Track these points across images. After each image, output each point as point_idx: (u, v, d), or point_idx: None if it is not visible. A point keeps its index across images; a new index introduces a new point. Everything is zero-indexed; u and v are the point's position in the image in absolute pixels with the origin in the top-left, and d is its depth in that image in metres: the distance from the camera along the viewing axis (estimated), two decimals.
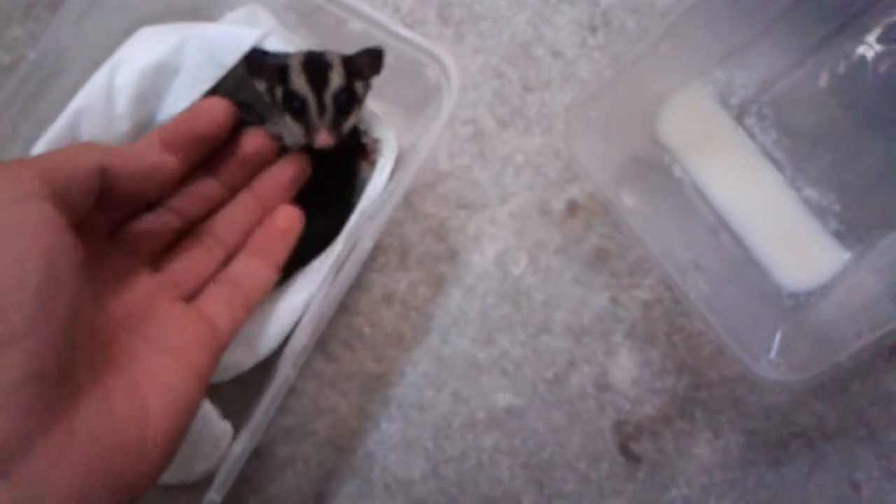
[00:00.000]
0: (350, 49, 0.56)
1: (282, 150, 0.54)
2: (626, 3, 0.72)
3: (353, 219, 0.58)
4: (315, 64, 0.51)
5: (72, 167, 0.35)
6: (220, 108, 0.47)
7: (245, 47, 0.57)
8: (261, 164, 0.52)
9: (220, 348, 0.44)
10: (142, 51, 0.57)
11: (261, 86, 0.53)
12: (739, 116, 0.66)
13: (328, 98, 0.50)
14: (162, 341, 0.40)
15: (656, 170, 0.65)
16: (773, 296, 0.63)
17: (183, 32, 0.58)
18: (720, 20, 0.65)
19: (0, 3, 0.70)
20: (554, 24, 0.71)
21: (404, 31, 0.55)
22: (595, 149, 0.61)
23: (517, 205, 0.67)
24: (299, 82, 0.51)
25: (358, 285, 0.65)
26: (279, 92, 0.52)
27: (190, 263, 0.47)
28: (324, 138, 0.50)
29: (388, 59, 0.57)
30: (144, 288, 0.43)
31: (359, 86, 0.54)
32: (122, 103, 0.56)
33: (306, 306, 0.57)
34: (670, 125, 0.65)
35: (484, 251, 0.66)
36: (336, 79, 0.51)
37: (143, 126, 0.58)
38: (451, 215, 0.67)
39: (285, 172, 0.53)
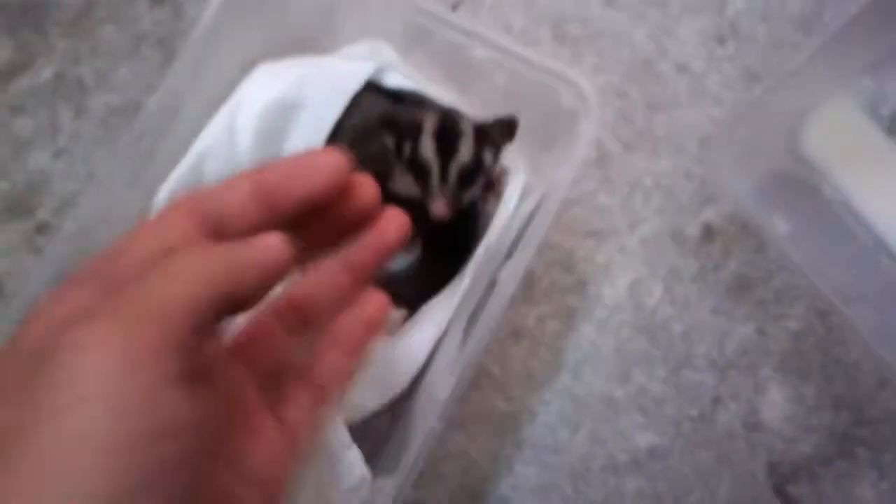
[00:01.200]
0: (476, 82, 0.53)
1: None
2: (755, 10, 0.67)
3: (480, 252, 0.55)
4: (447, 129, 0.50)
5: (187, 310, 0.26)
6: (339, 164, 0.32)
7: (364, 80, 0.55)
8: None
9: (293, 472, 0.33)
10: (262, 88, 0.56)
11: (389, 140, 0.51)
12: (892, 128, 0.61)
13: (454, 169, 0.48)
14: (254, 475, 0.31)
15: (803, 190, 0.61)
16: None
17: (302, 68, 0.56)
18: (867, 26, 0.60)
19: (103, 43, 0.70)
20: (677, 36, 0.67)
21: (535, 56, 0.52)
22: (736, 169, 0.57)
23: (648, 231, 0.64)
24: (428, 146, 0.49)
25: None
26: (407, 149, 0.50)
27: (272, 349, 0.35)
28: (440, 208, 0.48)
29: (512, 85, 0.55)
30: (251, 404, 0.32)
31: (488, 155, 0.51)
32: (246, 141, 0.55)
33: (434, 345, 0.55)
34: (817, 141, 0.60)
35: (615, 281, 0.63)
36: (465, 151, 0.49)
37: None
38: (578, 244, 0.64)
39: (386, 235, 0.35)
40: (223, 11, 0.53)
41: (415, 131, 0.49)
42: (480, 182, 0.52)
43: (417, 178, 0.50)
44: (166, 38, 0.69)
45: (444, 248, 0.58)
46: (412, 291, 0.58)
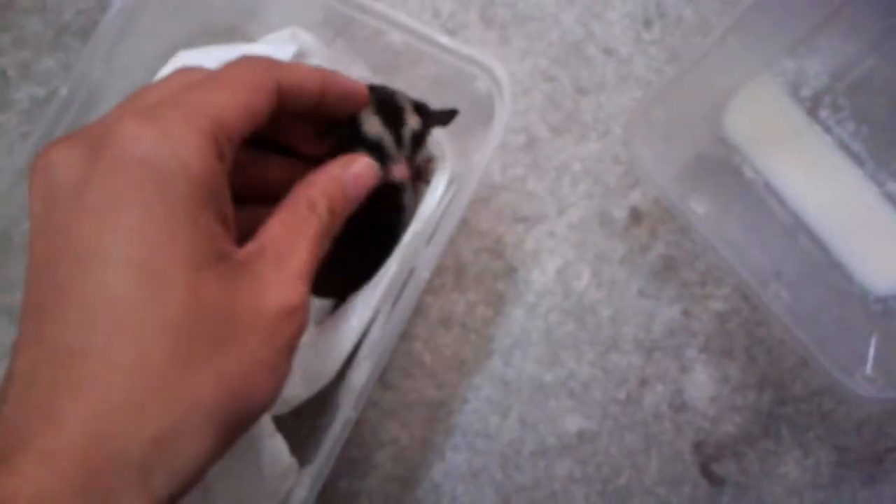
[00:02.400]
0: (398, 69, 0.53)
1: None
2: None
3: (407, 239, 0.55)
4: (386, 103, 0.48)
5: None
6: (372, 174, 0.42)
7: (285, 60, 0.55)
8: None
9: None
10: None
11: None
12: (813, 109, 0.61)
13: (406, 133, 0.48)
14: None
15: (725, 170, 0.61)
16: (860, 301, 0.59)
17: (222, 53, 0.55)
18: (787, 5, 0.60)
19: (28, 34, 0.68)
20: (605, 19, 0.67)
21: (448, 41, 0.52)
22: (658, 151, 0.57)
23: (576, 216, 0.64)
24: (373, 122, 0.48)
25: (415, 310, 0.62)
26: (350, 129, 0.47)
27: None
28: (401, 170, 0.47)
29: (433, 70, 0.54)
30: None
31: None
32: None
33: (361, 333, 0.55)
34: (738, 122, 0.61)
35: (544, 266, 0.63)
36: (411, 120, 0.48)
37: None
38: (507, 230, 0.64)
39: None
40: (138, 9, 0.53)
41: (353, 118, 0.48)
42: (423, 148, 0.51)
43: (371, 151, 0.48)
44: (90, 28, 0.68)
45: (370, 239, 0.58)
46: (338, 283, 0.58)
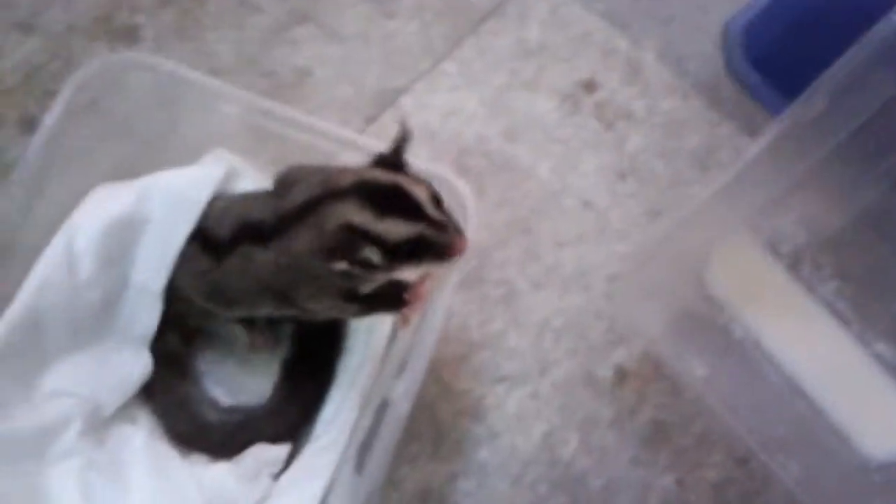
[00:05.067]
0: None
1: None
2: (653, 147, 0.68)
3: (361, 378, 0.51)
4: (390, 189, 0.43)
5: None
6: None
7: (215, 183, 0.51)
8: None
9: None
10: (100, 207, 0.50)
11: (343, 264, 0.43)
12: (794, 265, 0.61)
13: (437, 212, 0.43)
14: None
15: (713, 329, 0.59)
16: (861, 470, 0.56)
17: (144, 182, 0.51)
18: (763, 167, 0.61)
19: None
20: (580, 171, 0.66)
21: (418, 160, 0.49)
22: (645, 309, 0.56)
23: (560, 375, 0.60)
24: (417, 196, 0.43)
25: (387, 481, 0.56)
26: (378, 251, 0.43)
27: None
28: (463, 241, 0.43)
29: None
30: None
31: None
32: (87, 268, 0.48)
33: (324, 491, 0.49)
34: (721, 280, 0.60)
35: (528, 431, 0.58)
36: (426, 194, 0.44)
37: (114, 289, 0.50)
38: (487, 391, 0.59)
39: None
40: (57, 132, 0.49)
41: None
42: None
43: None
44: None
45: (305, 373, 0.55)
46: (276, 426, 0.53)
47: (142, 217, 0.50)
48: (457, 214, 0.48)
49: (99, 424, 0.49)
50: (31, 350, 0.47)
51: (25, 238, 0.49)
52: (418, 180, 0.44)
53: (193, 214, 0.50)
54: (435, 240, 0.42)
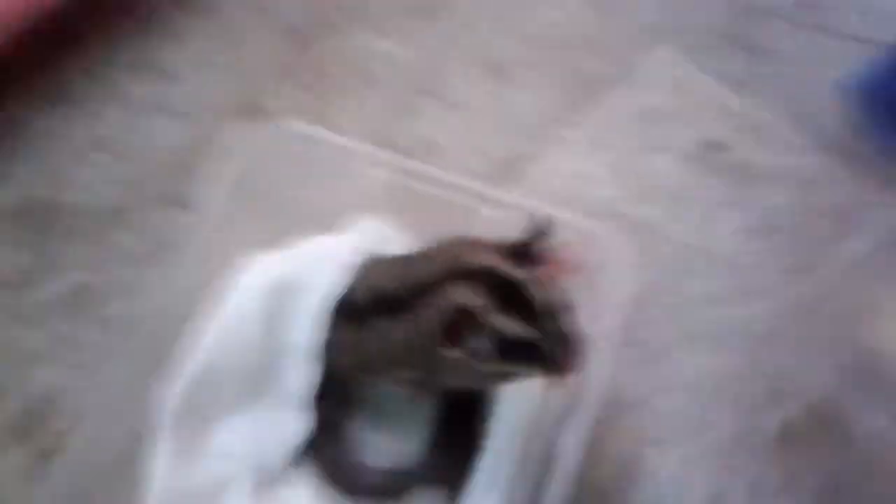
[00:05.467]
0: None
1: None
2: (790, 205, 0.66)
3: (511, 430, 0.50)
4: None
5: None
6: None
7: (367, 248, 0.53)
8: None
9: None
10: (264, 273, 0.53)
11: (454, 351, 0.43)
12: None
13: (558, 323, 0.42)
14: None
15: (884, 382, 0.55)
16: None
17: (302, 249, 0.54)
18: None
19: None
20: (715, 231, 0.66)
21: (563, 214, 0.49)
22: (806, 363, 0.53)
23: (716, 437, 0.57)
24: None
25: None
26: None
27: None
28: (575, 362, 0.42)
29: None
30: None
31: None
32: (253, 330, 0.51)
33: None
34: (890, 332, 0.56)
35: (689, 497, 0.55)
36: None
37: (275, 352, 0.52)
38: (639, 454, 0.56)
39: None
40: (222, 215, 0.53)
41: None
42: None
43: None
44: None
45: (456, 433, 0.54)
46: (431, 481, 0.52)
47: (300, 281, 0.52)
48: (615, 272, 0.49)
49: (266, 485, 0.50)
50: (206, 408, 0.49)
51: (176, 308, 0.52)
52: (550, 284, 0.42)
53: (340, 279, 0.51)
54: (547, 352, 0.41)
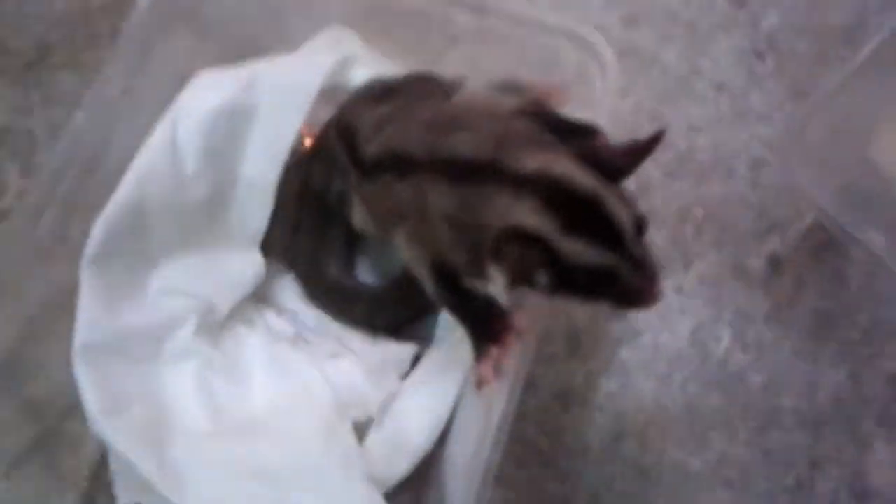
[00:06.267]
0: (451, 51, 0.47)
1: None
2: (793, 25, 0.61)
3: None
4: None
5: None
6: None
7: (321, 80, 0.46)
8: None
9: None
10: (203, 95, 0.46)
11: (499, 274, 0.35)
12: None
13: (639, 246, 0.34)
14: None
15: (881, 203, 0.52)
16: None
17: (250, 69, 0.47)
18: None
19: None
20: (711, 54, 0.60)
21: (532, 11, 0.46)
22: (812, 177, 0.49)
23: (705, 268, 0.54)
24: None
25: (524, 383, 0.51)
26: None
27: None
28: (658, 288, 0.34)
29: (504, 50, 0.47)
30: None
31: None
32: (192, 161, 0.45)
33: (455, 399, 0.45)
34: (890, 149, 0.53)
35: (674, 328, 0.53)
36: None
37: (222, 185, 0.47)
38: None
39: None
40: (152, 20, 0.46)
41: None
42: None
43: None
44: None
45: None
46: (397, 311, 0.50)
47: (249, 107, 0.46)
48: (592, 83, 0.44)
49: (214, 326, 0.46)
50: (138, 246, 0.44)
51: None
52: (625, 198, 0.34)
53: (305, 105, 0.46)
54: (628, 280, 0.33)
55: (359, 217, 0.45)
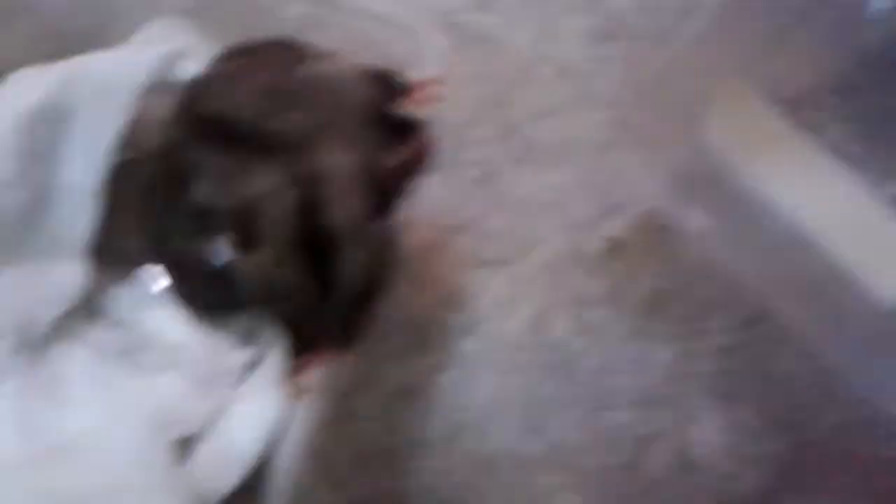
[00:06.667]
0: None
1: None
2: (637, 4, 0.61)
3: None
4: None
5: None
6: None
7: (145, 75, 0.45)
8: None
9: None
10: (19, 97, 0.44)
11: None
12: (796, 110, 0.55)
13: None
14: None
15: (712, 183, 0.54)
16: (877, 317, 0.51)
17: (68, 66, 0.46)
18: (755, 8, 0.55)
19: None
20: (558, 38, 0.61)
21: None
22: (641, 168, 0.51)
23: (546, 254, 0.55)
24: None
25: (364, 381, 0.52)
26: None
27: None
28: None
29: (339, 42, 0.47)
30: None
31: None
32: (7, 166, 0.43)
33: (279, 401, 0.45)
34: (721, 132, 0.54)
35: (515, 316, 0.54)
36: None
37: (41, 191, 0.45)
38: (466, 279, 0.55)
39: None
40: None
41: None
42: None
43: None
44: None
45: None
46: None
47: (67, 106, 0.45)
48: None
49: (36, 342, 0.46)
50: None
51: None
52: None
53: (127, 103, 0.45)
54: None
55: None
